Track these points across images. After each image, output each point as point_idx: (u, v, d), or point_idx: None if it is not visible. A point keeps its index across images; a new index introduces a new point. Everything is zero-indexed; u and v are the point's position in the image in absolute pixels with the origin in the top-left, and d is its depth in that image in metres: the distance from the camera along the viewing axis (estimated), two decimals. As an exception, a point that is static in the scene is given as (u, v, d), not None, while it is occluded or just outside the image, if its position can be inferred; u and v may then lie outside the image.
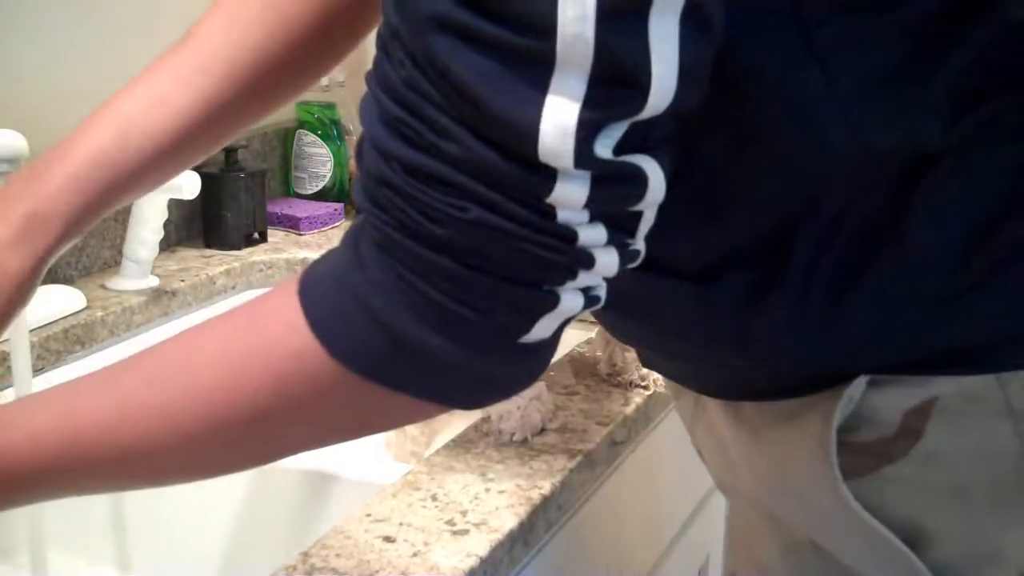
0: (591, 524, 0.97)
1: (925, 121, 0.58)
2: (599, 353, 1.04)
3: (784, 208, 0.60)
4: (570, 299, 0.52)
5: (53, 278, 1.24)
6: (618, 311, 0.62)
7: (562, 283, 0.52)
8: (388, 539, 0.76)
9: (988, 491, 0.62)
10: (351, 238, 0.54)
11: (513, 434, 0.90)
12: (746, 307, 0.63)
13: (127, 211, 1.27)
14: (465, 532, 0.77)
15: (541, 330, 0.53)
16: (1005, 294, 0.61)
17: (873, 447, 0.63)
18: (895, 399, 0.62)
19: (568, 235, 0.50)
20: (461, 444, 0.90)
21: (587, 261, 0.51)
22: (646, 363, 0.81)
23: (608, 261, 0.52)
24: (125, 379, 0.58)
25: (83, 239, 1.28)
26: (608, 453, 0.95)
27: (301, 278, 0.56)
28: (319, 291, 0.55)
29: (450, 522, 0.78)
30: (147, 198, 1.24)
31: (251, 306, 0.58)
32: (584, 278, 0.52)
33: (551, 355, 0.57)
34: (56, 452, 0.57)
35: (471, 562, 0.74)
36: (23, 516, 0.99)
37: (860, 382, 0.62)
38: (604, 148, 0.49)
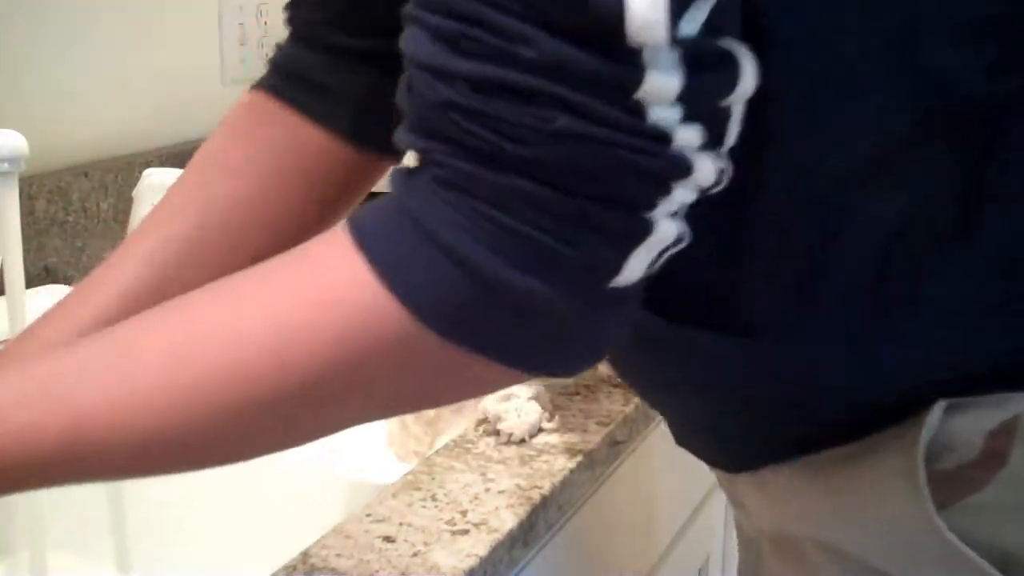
0: (591, 524, 0.97)
1: (965, 71, 0.54)
2: (599, 353, 1.05)
3: (834, 212, 0.56)
4: (664, 226, 0.47)
5: (53, 278, 1.24)
6: (649, 380, 0.59)
7: (655, 201, 0.46)
8: (388, 539, 0.76)
9: None
10: (403, 184, 0.48)
11: (511, 434, 0.90)
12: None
13: (127, 211, 1.27)
14: (465, 532, 0.77)
15: (633, 268, 0.48)
16: None
17: (955, 474, 0.60)
18: (974, 422, 0.59)
19: (662, 135, 0.45)
20: (461, 444, 0.90)
21: (683, 167, 0.46)
22: (681, 440, 0.76)
23: (705, 168, 0.47)
24: (142, 355, 0.50)
25: (83, 239, 1.28)
26: (608, 453, 0.94)
27: (352, 228, 0.48)
28: (383, 239, 0.48)
29: (450, 522, 0.78)
30: (147, 198, 1.24)
31: (288, 262, 0.51)
32: (678, 194, 0.47)
33: (632, 312, 0.51)
34: (58, 445, 0.50)
35: (471, 562, 0.74)
36: (23, 516, 0.99)
37: (938, 408, 0.59)
38: (690, 27, 0.44)
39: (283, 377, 0.48)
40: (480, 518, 0.79)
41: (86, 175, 1.28)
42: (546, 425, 0.92)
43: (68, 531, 1.07)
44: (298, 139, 0.75)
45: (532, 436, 0.91)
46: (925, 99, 0.54)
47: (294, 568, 0.72)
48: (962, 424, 0.59)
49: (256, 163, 0.75)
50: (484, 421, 0.92)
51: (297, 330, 0.48)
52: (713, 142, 0.47)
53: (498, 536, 0.77)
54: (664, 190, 0.46)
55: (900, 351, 0.59)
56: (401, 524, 0.78)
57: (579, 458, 0.88)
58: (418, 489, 0.83)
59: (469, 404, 0.98)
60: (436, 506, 0.80)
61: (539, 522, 0.82)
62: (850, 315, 0.58)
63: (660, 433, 1.11)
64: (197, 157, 0.78)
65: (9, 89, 1.22)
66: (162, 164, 1.34)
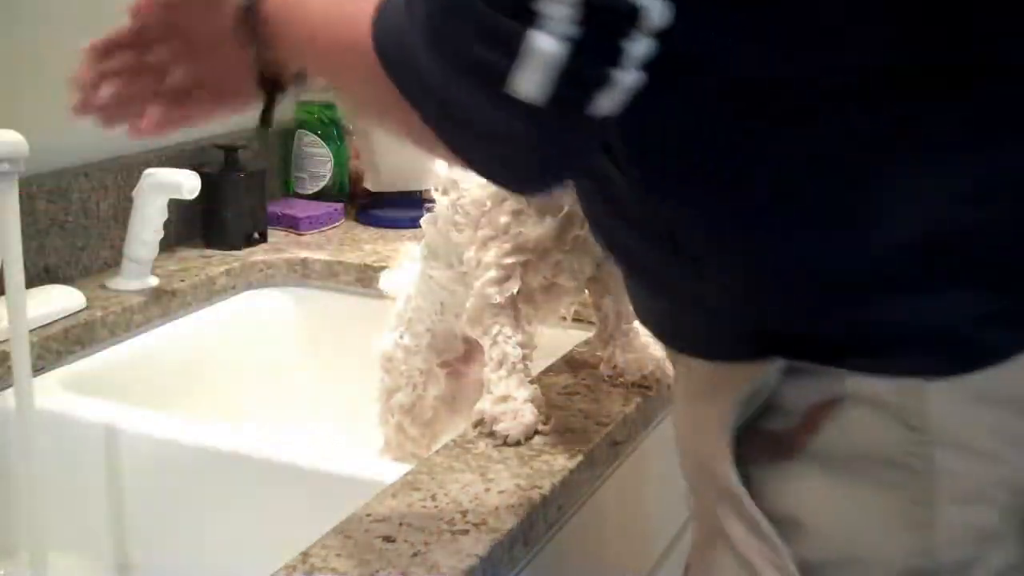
0: (591, 524, 0.97)
1: None
2: (599, 353, 1.04)
3: None
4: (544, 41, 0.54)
5: (53, 278, 1.24)
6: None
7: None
8: (388, 539, 0.76)
9: (870, 498, 0.63)
10: None
11: (506, 437, 0.90)
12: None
13: (127, 211, 1.27)
14: (465, 532, 0.77)
15: (526, 80, 0.55)
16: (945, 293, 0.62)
17: (776, 437, 0.65)
18: (804, 391, 0.64)
19: None
20: (461, 444, 0.90)
21: None
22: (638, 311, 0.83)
23: None
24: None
25: (83, 239, 1.28)
26: (608, 453, 0.95)
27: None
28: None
29: (450, 522, 0.78)
30: (147, 198, 1.24)
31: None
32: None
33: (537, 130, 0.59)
34: (304, 39, 0.73)
35: (471, 562, 0.74)
36: (23, 516, 0.99)
37: (778, 362, 0.64)
38: None
39: (355, 63, 0.67)
40: (480, 518, 0.79)
41: (86, 175, 1.29)
42: (542, 428, 0.92)
43: (68, 531, 1.07)
44: None
45: (527, 439, 0.90)
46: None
47: (294, 568, 0.72)
48: (794, 390, 0.64)
49: None
50: (480, 423, 0.92)
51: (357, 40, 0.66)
52: None
53: (498, 536, 0.77)
54: None
55: (802, 259, 0.63)
56: (401, 524, 0.78)
57: (579, 458, 0.89)
58: (418, 489, 0.83)
59: (467, 405, 0.98)
60: (436, 506, 0.80)
61: (539, 522, 0.82)
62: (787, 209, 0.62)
63: (660, 433, 1.11)
64: None
65: (9, 89, 1.22)
66: (162, 164, 1.34)
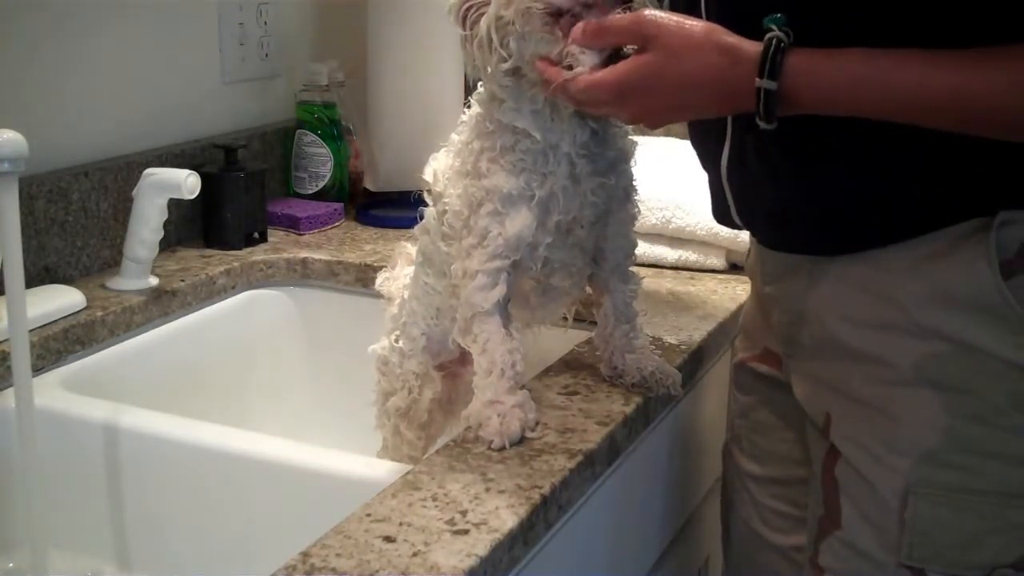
0: (591, 524, 0.97)
1: None
2: (599, 354, 1.04)
3: None
4: None
5: (53, 278, 1.24)
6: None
7: None
8: (388, 539, 0.76)
9: None
10: None
11: (491, 441, 0.89)
12: None
13: (127, 211, 1.27)
14: (465, 532, 0.77)
15: None
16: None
17: None
18: None
19: None
20: (461, 444, 0.90)
21: None
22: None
23: None
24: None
25: (83, 239, 1.28)
26: (608, 453, 0.95)
27: None
28: None
29: (450, 522, 0.78)
30: (147, 198, 1.24)
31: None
32: None
33: None
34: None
35: (471, 562, 0.74)
36: (24, 515, 0.99)
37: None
38: None
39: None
40: (480, 518, 0.79)
41: (86, 175, 1.29)
42: (529, 435, 0.92)
43: (68, 530, 1.07)
44: None
45: (512, 444, 0.90)
46: None
47: (294, 568, 0.72)
48: None
49: None
50: (469, 427, 0.92)
51: None
52: None
53: (498, 536, 0.77)
54: None
55: None
56: (401, 524, 0.78)
57: (579, 458, 0.89)
58: (418, 489, 0.83)
59: (463, 407, 0.98)
60: (436, 506, 0.80)
61: (539, 522, 0.82)
62: None
63: (660, 433, 1.11)
64: None
65: (9, 89, 1.22)
66: (162, 164, 1.34)
